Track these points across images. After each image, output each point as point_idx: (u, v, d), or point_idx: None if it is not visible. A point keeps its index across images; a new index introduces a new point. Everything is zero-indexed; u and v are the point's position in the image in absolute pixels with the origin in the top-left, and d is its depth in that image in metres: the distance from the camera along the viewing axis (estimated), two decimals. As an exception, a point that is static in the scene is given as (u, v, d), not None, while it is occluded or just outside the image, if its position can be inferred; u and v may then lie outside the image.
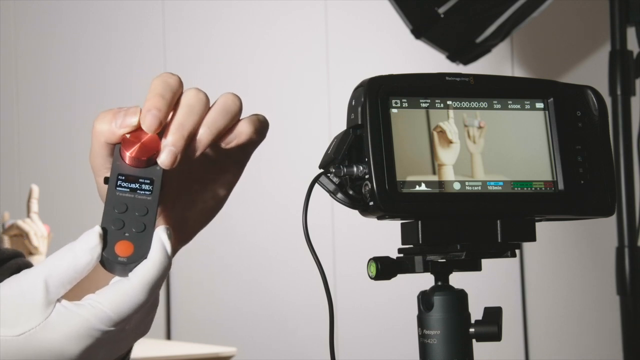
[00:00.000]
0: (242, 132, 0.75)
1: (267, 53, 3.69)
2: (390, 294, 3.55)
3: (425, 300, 0.84)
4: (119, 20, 3.52)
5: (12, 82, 3.38)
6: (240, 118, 0.76)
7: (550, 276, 3.96)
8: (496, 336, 0.84)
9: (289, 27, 3.74)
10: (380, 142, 0.80)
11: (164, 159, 0.71)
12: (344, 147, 0.81)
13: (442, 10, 2.49)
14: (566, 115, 0.87)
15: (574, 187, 0.85)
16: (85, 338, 0.66)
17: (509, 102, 0.86)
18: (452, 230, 0.83)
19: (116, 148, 0.72)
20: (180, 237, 0.81)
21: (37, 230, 2.32)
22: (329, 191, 0.82)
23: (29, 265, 0.95)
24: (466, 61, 2.67)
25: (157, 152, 0.72)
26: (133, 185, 0.71)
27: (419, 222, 0.82)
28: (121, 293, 0.66)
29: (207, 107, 0.74)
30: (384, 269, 0.83)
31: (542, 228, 0.85)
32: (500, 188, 0.84)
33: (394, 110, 0.82)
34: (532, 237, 0.85)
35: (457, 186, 0.83)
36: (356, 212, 0.83)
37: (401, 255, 0.85)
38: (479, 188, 0.83)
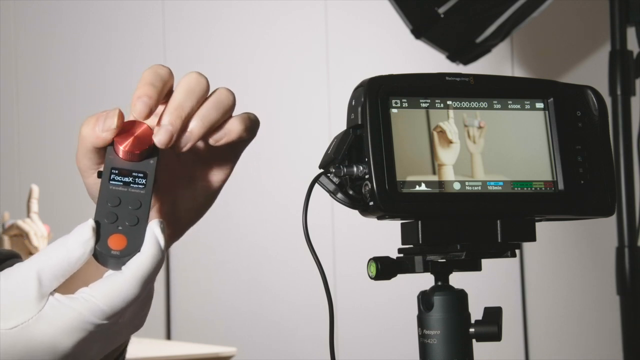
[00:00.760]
0: (232, 130, 0.75)
1: (267, 53, 3.69)
2: (390, 294, 3.55)
3: (425, 300, 0.84)
4: (119, 20, 3.52)
5: (12, 82, 3.38)
6: (233, 115, 0.76)
7: (550, 276, 3.96)
8: (496, 336, 0.84)
9: (289, 27, 3.74)
10: (380, 142, 0.80)
11: (160, 137, 0.71)
12: (344, 147, 0.81)
13: (442, 10, 2.49)
14: (566, 115, 0.87)
15: (574, 187, 0.85)
16: (78, 331, 0.66)
17: (509, 102, 0.86)
18: (452, 230, 0.83)
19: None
20: (171, 233, 0.81)
21: (37, 230, 2.31)
22: (329, 191, 0.82)
23: None
24: (466, 61, 2.67)
25: (150, 146, 0.72)
26: (126, 179, 0.71)
27: (419, 222, 0.82)
28: (114, 286, 0.66)
29: (206, 94, 0.74)
30: (384, 269, 0.83)
31: (542, 228, 0.85)
32: (500, 188, 0.84)
33: (394, 110, 0.82)
34: (532, 237, 0.85)
35: (457, 186, 0.83)
36: (356, 212, 0.83)
37: (401, 255, 0.85)
38: (479, 188, 0.83)
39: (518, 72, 3.92)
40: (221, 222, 3.50)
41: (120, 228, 0.68)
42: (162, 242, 0.68)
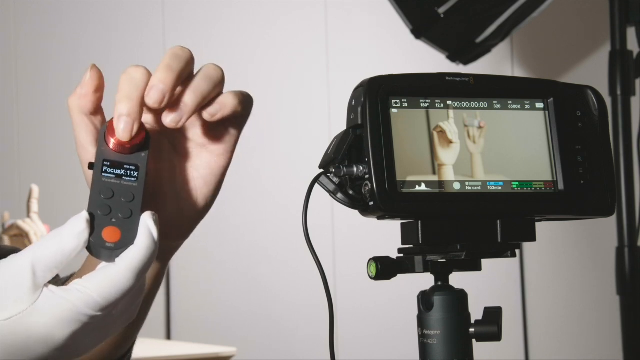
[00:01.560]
0: (227, 103, 0.75)
1: (267, 53, 3.69)
2: (390, 294, 3.55)
3: (425, 300, 0.84)
4: (119, 20, 3.52)
5: (12, 82, 3.38)
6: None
7: (550, 276, 3.96)
8: (496, 336, 0.84)
9: (289, 27, 3.74)
10: (380, 142, 0.80)
11: (153, 96, 0.71)
12: (344, 147, 0.81)
13: (442, 10, 2.49)
14: (566, 115, 0.87)
15: (574, 187, 0.85)
16: (72, 323, 0.66)
17: (509, 102, 0.86)
18: (452, 230, 0.83)
19: (100, 133, 0.73)
20: (178, 232, 0.81)
21: (37, 230, 2.31)
22: (329, 191, 0.82)
23: None
24: (466, 61, 2.67)
25: (141, 139, 0.72)
26: (118, 172, 0.71)
27: (419, 222, 0.82)
28: (108, 278, 0.66)
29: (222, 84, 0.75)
30: (384, 269, 0.83)
31: (542, 228, 0.85)
32: (500, 188, 0.84)
33: (394, 110, 0.82)
34: (532, 237, 0.85)
35: (457, 186, 0.83)
36: (356, 212, 0.83)
37: (401, 255, 0.85)
38: (479, 188, 0.83)
39: (518, 72, 3.92)
40: (221, 222, 3.50)
41: (113, 220, 0.68)
42: (155, 234, 0.68)
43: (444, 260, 0.85)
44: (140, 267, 0.67)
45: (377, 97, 0.81)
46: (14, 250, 0.96)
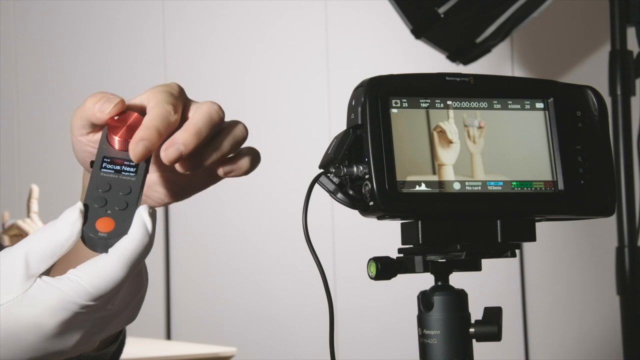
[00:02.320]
0: (243, 167, 0.76)
1: (267, 53, 3.69)
2: (390, 294, 3.55)
3: (425, 300, 0.84)
4: (119, 20, 3.52)
5: (12, 82, 3.38)
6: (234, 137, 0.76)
7: (550, 276, 3.96)
8: (496, 336, 0.84)
9: (289, 27, 3.74)
10: (380, 142, 0.80)
11: (170, 154, 0.71)
12: (344, 147, 0.81)
13: (442, 10, 2.49)
14: (566, 115, 0.87)
15: (574, 187, 0.85)
16: (62, 311, 0.66)
17: (509, 102, 0.86)
18: (452, 230, 0.83)
19: (103, 132, 0.73)
20: (176, 193, 0.81)
21: (37, 230, 2.31)
22: (329, 191, 0.82)
23: None
24: (466, 61, 2.67)
25: None
26: (118, 167, 0.71)
27: (419, 222, 0.82)
28: (99, 267, 0.67)
29: (220, 127, 0.74)
30: (384, 269, 0.83)
31: (542, 228, 0.85)
32: (500, 188, 0.84)
33: (394, 110, 0.82)
34: (532, 237, 0.85)
35: (457, 186, 0.83)
36: (356, 212, 0.83)
37: (401, 255, 0.85)
38: (479, 188, 0.83)
39: (518, 72, 3.92)
40: (221, 222, 3.50)
41: (108, 212, 0.69)
42: (149, 226, 0.68)
43: (444, 260, 0.85)
44: (133, 258, 0.67)
45: (377, 97, 0.81)
46: None
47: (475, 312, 0.85)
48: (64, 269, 0.69)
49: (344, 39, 3.80)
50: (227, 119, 0.76)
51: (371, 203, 0.80)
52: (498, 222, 0.84)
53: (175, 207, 3.31)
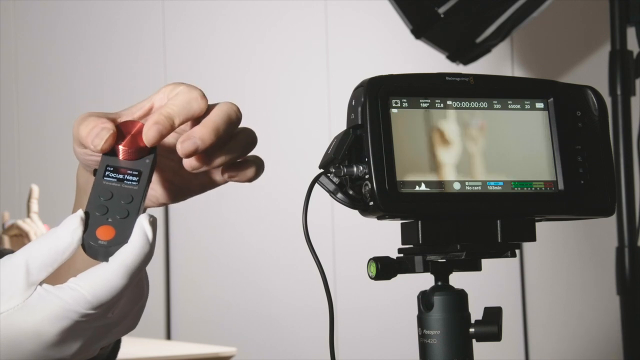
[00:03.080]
0: (247, 175, 0.77)
1: (267, 53, 3.69)
2: (390, 294, 3.55)
3: (425, 300, 0.84)
4: (119, 20, 3.52)
5: (12, 82, 3.38)
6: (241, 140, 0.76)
7: (550, 276, 3.96)
8: (496, 336, 0.84)
9: (289, 27, 3.74)
10: (380, 142, 0.80)
11: (187, 146, 0.71)
12: (344, 147, 0.81)
13: (442, 10, 2.49)
14: (566, 115, 0.87)
15: (574, 187, 0.85)
16: (62, 320, 0.66)
17: (509, 102, 0.86)
18: (452, 230, 0.83)
19: None
20: (173, 195, 0.81)
21: (37, 230, 2.31)
22: (329, 191, 0.82)
23: None
24: (466, 61, 2.67)
25: (146, 146, 0.72)
26: (120, 176, 0.71)
27: (419, 222, 0.82)
28: (100, 276, 0.67)
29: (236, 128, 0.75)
30: (384, 269, 0.83)
31: (542, 228, 0.85)
32: (500, 188, 0.84)
33: (394, 110, 0.82)
34: (532, 237, 0.85)
35: (457, 186, 0.83)
36: (356, 212, 0.83)
37: (401, 255, 0.85)
38: (479, 188, 0.83)
39: (518, 72, 3.92)
40: (221, 221, 3.50)
41: (109, 220, 0.69)
42: (150, 235, 0.68)
43: (444, 260, 0.85)
44: (133, 266, 0.67)
45: (377, 97, 0.81)
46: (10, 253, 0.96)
47: (475, 312, 0.85)
48: (64, 277, 0.69)
49: (344, 39, 3.80)
50: None
51: (371, 203, 0.80)
52: (498, 222, 0.84)
53: (176, 207, 3.31)
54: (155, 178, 0.79)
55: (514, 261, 3.73)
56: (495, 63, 3.77)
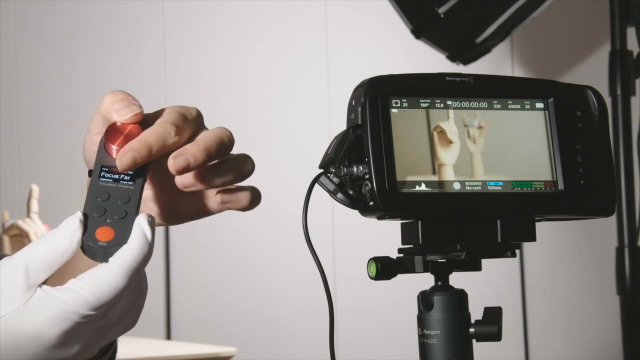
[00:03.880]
0: (242, 201, 0.76)
1: (267, 53, 3.69)
2: (390, 294, 3.55)
3: (425, 300, 0.84)
4: (119, 20, 3.52)
5: (12, 82, 3.38)
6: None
7: (550, 276, 3.96)
8: (496, 336, 0.84)
9: (289, 27, 3.74)
10: (380, 142, 0.80)
11: (178, 162, 0.71)
12: (344, 147, 0.81)
13: (442, 10, 2.49)
14: (566, 115, 0.87)
15: (574, 187, 0.85)
16: (62, 321, 0.66)
17: (509, 102, 0.86)
18: (452, 230, 0.83)
19: (100, 141, 0.73)
20: (169, 219, 0.81)
21: (37, 230, 2.31)
22: (329, 191, 0.82)
23: None
24: (466, 61, 2.67)
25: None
26: (116, 176, 0.71)
27: (419, 222, 0.82)
28: (99, 277, 0.67)
29: (230, 152, 0.74)
30: (384, 269, 0.83)
31: (542, 228, 0.85)
32: (500, 188, 0.84)
33: (394, 110, 0.82)
34: (532, 237, 0.85)
35: (457, 186, 0.83)
36: (356, 212, 0.83)
37: (401, 255, 0.85)
38: (479, 188, 0.83)
39: (518, 72, 3.92)
40: (221, 222, 3.50)
41: (108, 221, 0.69)
42: (149, 235, 0.68)
43: (444, 260, 0.85)
44: (133, 267, 0.67)
45: (377, 97, 0.81)
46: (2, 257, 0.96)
47: (475, 312, 0.85)
48: (67, 278, 0.69)
49: (344, 39, 3.80)
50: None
51: (371, 203, 0.80)
52: (498, 222, 0.84)
53: (175, 207, 3.31)
54: (151, 195, 0.79)
55: (514, 261, 3.73)
56: (495, 63, 3.77)
